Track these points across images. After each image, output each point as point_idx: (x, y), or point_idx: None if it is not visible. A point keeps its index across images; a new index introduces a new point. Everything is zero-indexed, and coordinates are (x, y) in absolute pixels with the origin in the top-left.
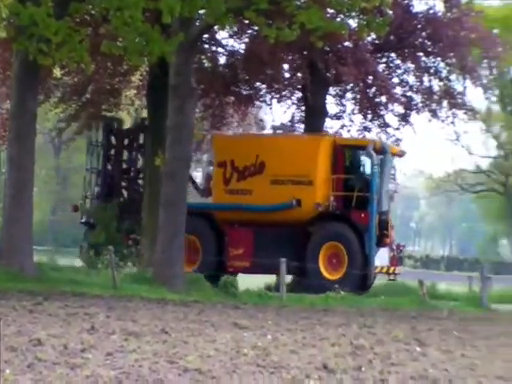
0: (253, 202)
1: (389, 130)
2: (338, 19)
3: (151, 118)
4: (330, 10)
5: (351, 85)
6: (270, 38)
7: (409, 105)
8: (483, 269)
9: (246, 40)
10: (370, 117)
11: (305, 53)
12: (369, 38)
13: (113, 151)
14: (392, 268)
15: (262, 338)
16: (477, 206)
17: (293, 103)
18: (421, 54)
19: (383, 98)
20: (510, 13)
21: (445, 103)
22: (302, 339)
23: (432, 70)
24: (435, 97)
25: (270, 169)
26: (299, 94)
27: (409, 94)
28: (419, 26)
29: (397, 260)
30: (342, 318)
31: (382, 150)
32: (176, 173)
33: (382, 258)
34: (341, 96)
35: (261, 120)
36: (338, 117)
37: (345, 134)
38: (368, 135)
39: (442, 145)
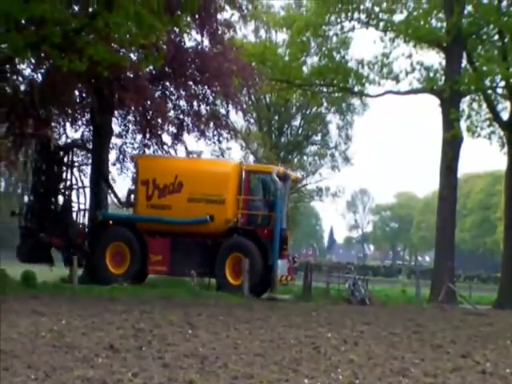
0: (172, 216)
1: (165, 147)
2: (121, 53)
3: None
4: (114, 45)
5: (132, 108)
6: (63, 68)
7: (181, 126)
8: None
9: (43, 70)
10: (148, 135)
11: (93, 81)
12: (147, 69)
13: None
14: (289, 277)
15: (57, 323)
16: None
17: (82, 123)
18: (191, 82)
19: (159, 120)
20: (265, 49)
21: (211, 124)
22: (92, 324)
23: (200, 97)
24: (203, 119)
25: (188, 188)
26: (88, 116)
27: (181, 116)
28: (189, 59)
29: (292, 270)
30: (125, 306)
31: (284, 177)
32: None
33: (282, 268)
34: (124, 117)
35: (55, 138)
36: (121, 135)
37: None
38: (147, 151)
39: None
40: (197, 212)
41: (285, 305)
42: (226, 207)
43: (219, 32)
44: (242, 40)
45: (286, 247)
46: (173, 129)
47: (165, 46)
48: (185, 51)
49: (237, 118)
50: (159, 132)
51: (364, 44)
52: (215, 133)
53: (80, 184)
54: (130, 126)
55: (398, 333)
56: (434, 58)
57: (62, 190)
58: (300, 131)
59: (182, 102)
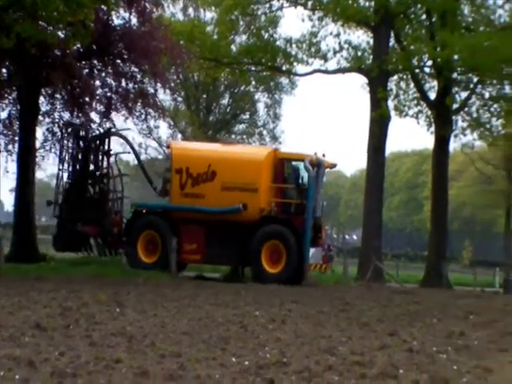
0: (205, 205)
1: (93, 125)
2: (49, 30)
3: None
4: (42, 23)
5: (60, 86)
6: None
7: (109, 104)
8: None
9: None
10: (76, 113)
11: (20, 58)
12: (75, 47)
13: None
14: (324, 265)
15: None
16: None
17: (10, 102)
18: (119, 61)
19: (87, 98)
20: (193, 27)
21: (139, 103)
22: (18, 303)
23: (128, 75)
24: (131, 97)
25: (221, 176)
26: (15, 94)
27: (109, 94)
28: (117, 37)
29: (327, 258)
30: (52, 285)
31: (317, 164)
32: None
33: (315, 256)
34: (51, 95)
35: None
36: (49, 114)
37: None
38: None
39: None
40: (230, 201)
41: (213, 283)
42: (259, 196)
43: (147, 10)
44: (171, 18)
45: (321, 235)
46: (101, 107)
47: (92, 24)
48: (113, 29)
49: (165, 97)
50: (87, 110)
51: (292, 23)
52: (143, 111)
53: (116, 172)
54: (58, 104)
55: (326, 311)
56: (362, 38)
57: (98, 179)
58: (228, 110)
59: (110, 80)
